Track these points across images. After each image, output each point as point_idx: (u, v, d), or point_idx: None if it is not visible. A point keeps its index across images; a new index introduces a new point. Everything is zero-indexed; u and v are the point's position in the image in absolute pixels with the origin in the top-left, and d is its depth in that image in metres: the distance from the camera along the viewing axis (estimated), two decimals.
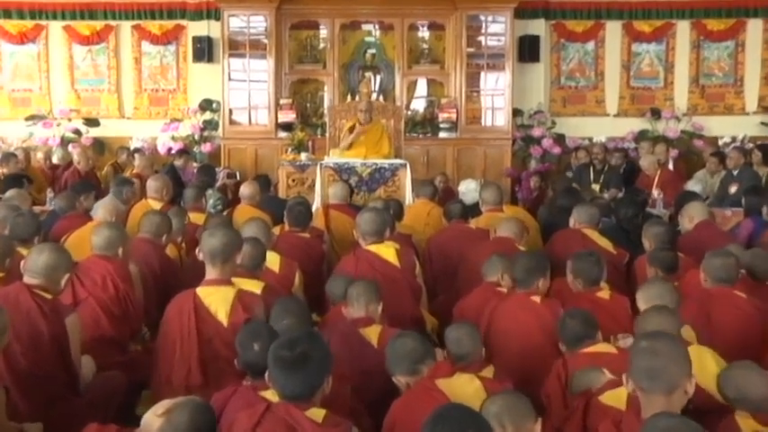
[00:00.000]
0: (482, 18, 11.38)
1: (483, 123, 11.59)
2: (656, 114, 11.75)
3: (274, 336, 3.38)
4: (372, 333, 4.07)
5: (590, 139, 11.45)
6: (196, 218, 6.52)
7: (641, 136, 11.52)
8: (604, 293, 4.61)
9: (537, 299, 4.42)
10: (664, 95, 11.93)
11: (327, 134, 9.64)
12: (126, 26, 11.75)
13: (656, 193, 8.61)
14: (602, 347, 3.79)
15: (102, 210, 6.12)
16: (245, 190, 7.40)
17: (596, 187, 9.60)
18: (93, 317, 4.35)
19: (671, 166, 10.44)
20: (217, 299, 3.97)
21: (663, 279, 4.58)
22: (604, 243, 5.80)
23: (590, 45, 11.96)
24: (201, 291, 4.03)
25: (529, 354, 4.14)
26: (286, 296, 4.38)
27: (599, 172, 9.88)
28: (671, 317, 3.69)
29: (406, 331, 3.80)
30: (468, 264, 5.48)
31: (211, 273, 4.09)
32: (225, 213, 7.26)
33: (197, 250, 4.20)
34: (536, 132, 11.50)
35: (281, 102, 11.13)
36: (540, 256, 4.65)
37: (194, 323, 3.91)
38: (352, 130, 8.88)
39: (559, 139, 11.57)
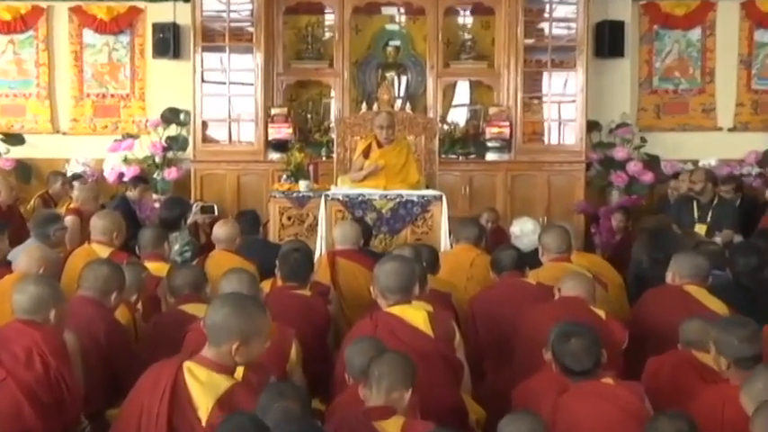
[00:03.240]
0: None
1: (546, 141, 11.64)
2: None
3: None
4: (392, 428, 4.03)
5: (694, 163, 11.43)
6: (156, 269, 6.53)
7: None
8: None
9: (610, 381, 4.38)
10: None
11: (335, 156, 9.69)
12: (62, 8, 11.93)
13: None
14: None
15: (25, 257, 6.12)
16: (219, 231, 7.41)
17: (702, 228, 9.54)
18: (12, 404, 4.32)
19: None
20: (203, 385, 3.95)
21: None
22: (716, 305, 5.74)
23: (695, 33, 12.01)
24: (190, 366, 4.02)
25: None
26: (278, 381, 4.34)
27: (706, 207, 9.82)
28: None
29: (440, 429, 3.76)
30: (526, 332, 5.44)
31: (208, 351, 4.08)
32: (196, 262, 7.26)
33: (202, 322, 4.18)
34: (619, 153, 11.49)
35: (273, 112, 11.22)
36: (589, 331, 4.59)
37: (167, 405, 3.89)
38: (366, 153, 8.90)
39: (651, 162, 11.57)
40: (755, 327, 4.61)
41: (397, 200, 8.41)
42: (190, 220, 9.17)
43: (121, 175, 11.28)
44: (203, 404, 3.89)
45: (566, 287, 5.76)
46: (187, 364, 4.01)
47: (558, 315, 5.12)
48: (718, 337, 4.57)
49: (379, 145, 8.90)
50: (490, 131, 11.30)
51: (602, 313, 5.50)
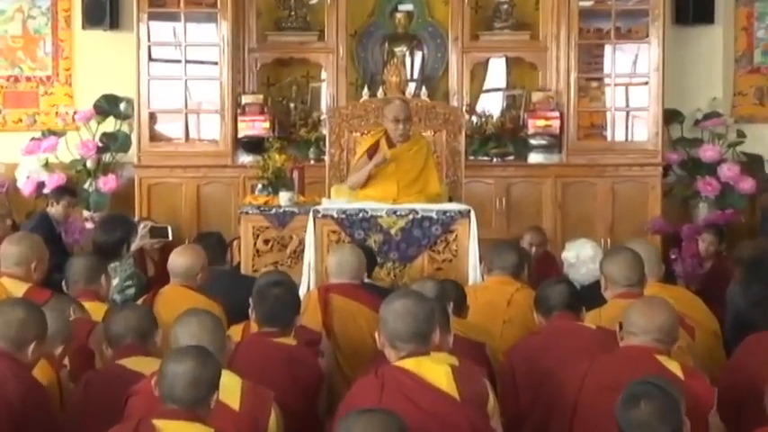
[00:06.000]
0: None
1: (609, 137, 11.70)
2: None
3: None
4: None
5: None
6: (91, 309, 6.54)
7: None
8: None
9: None
10: None
11: (327, 158, 9.70)
12: None
13: None
14: None
15: None
16: (178, 261, 7.36)
17: None
18: None
19: None
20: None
21: None
22: None
23: None
24: (162, 424, 4.21)
25: None
26: None
27: None
28: None
29: None
30: (587, 393, 5.44)
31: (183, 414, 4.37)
32: (143, 301, 7.27)
33: (153, 381, 4.26)
34: (708, 153, 11.51)
35: (244, 100, 11.28)
36: (665, 391, 4.57)
37: None
38: (372, 154, 8.86)
39: (752, 164, 11.58)
40: None
41: (411, 216, 8.38)
42: (134, 246, 9.17)
43: (41, 185, 11.29)
44: None
45: (630, 327, 5.65)
46: (156, 421, 4.27)
47: (611, 375, 5.12)
48: None
49: (390, 144, 8.85)
50: (534, 125, 11.36)
51: (677, 369, 5.44)
